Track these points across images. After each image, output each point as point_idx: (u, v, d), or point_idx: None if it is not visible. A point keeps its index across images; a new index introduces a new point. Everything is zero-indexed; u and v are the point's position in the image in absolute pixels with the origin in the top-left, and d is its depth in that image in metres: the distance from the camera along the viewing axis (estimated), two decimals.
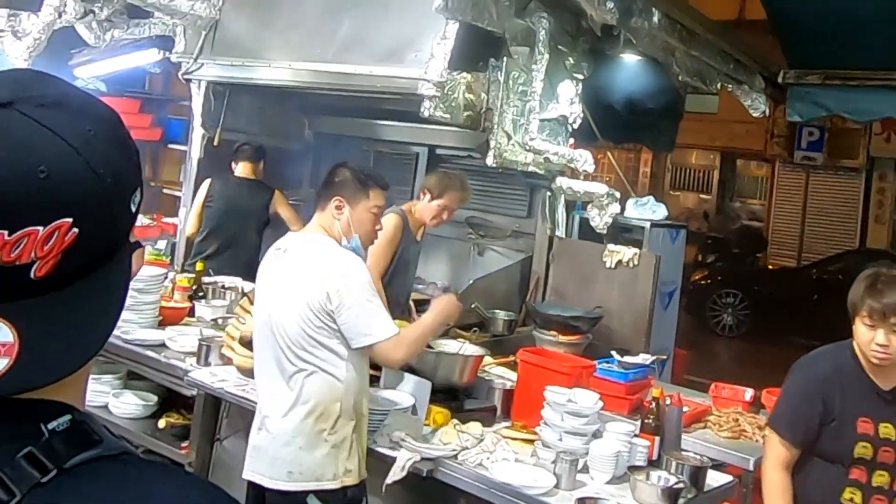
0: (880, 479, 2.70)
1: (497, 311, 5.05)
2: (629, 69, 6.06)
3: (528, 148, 4.87)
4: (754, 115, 6.34)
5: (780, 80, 5.96)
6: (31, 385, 0.80)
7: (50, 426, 0.80)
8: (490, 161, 4.84)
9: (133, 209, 0.89)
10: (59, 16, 4.91)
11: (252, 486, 3.04)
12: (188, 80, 5.66)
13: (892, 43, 5.02)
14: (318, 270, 2.93)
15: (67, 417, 0.82)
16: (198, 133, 5.96)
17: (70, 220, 0.78)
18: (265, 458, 2.95)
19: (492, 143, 4.80)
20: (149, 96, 8.38)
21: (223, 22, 5.34)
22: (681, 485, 3.09)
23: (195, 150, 6.03)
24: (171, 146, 8.97)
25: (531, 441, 3.38)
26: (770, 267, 13.87)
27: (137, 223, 0.97)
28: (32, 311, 0.80)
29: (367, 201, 3.12)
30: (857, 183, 17.69)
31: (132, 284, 0.97)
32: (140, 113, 8.37)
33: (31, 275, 0.78)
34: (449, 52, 4.41)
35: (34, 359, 0.79)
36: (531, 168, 5.02)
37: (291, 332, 2.93)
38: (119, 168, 0.84)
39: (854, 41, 5.34)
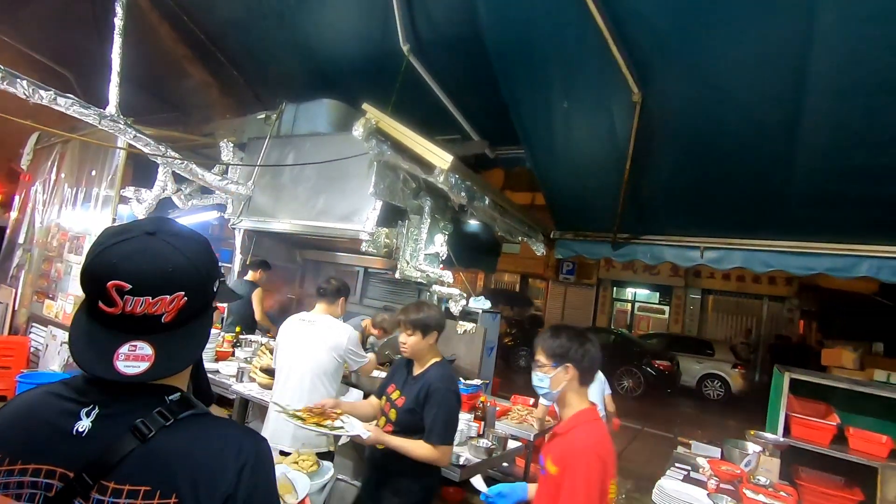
0: (381, 420, 2.52)
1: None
2: (472, 227, 6.17)
3: (417, 269, 4.85)
4: (537, 254, 6.39)
5: (551, 236, 5.95)
6: (160, 376, 0.86)
7: (169, 398, 0.89)
8: (397, 275, 4.78)
9: (215, 289, 0.97)
10: (163, 191, 4.79)
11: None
12: (233, 228, 5.50)
13: (606, 217, 5.10)
14: (338, 333, 3.01)
15: (179, 394, 0.90)
16: (237, 258, 5.79)
17: (183, 293, 0.87)
18: (287, 434, 2.83)
19: (398, 266, 4.75)
20: (210, 236, 8.19)
21: (254, 196, 5.26)
22: (493, 445, 3.16)
23: (236, 266, 5.82)
24: (221, 264, 8.72)
25: None
26: None
27: None
28: (162, 338, 0.86)
29: (345, 300, 3.25)
30: (591, 292, 18.32)
31: None
32: None
33: (162, 320, 0.86)
34: (376, 216, 4.40)
35: (162, 363, 0.86)
36: (419, 279, 4.94)
37: (315, 364, 2.94)
38: (209, 268, 0.93)
39: (589, 215, 5.38)
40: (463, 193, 4.25)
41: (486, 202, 4.68)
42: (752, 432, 3.67)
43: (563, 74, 4.00)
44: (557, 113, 4.30)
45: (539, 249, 6.20)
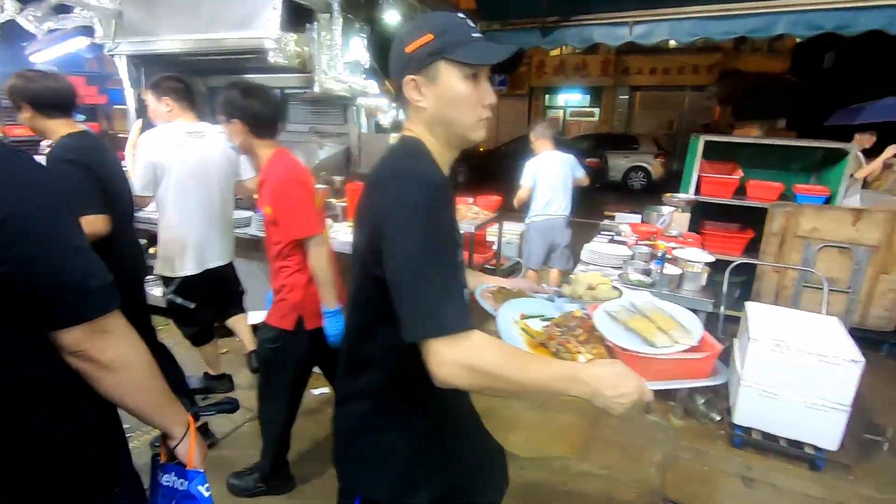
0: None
1: (335, 176, 4.80)
2: (393, 30, 5.67)
3: (337, 80, 4.42)
4: None
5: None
6: None
7: None
8: (317, 90, 4.35)
9: None
10: (2, 10, 3.90)
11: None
12: (111, 56, 4.65)
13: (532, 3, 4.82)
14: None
15: None
16: (129, 93, 4.92)
17: None
18: None
19: (316, 80, 4.30)
20: (89, 74, 7.00)
21: (125, 11, 4.38)
22: None
23: (130, 105, 4.99)
24: (115, 106, 7.63)
25: None
26: (481, 149, 14.16)
27: None
28: None
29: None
30: (524, 103, 18.18)
31: None
32: (86, 86, 6.99)
33: None
34: (278, 18, 3.89)
35: None
36: (342, 93, 4.54)
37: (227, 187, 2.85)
38: None
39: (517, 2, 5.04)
40: None
41: None
42: (668, 195, 3.98)
43: None
44: None
45: None
